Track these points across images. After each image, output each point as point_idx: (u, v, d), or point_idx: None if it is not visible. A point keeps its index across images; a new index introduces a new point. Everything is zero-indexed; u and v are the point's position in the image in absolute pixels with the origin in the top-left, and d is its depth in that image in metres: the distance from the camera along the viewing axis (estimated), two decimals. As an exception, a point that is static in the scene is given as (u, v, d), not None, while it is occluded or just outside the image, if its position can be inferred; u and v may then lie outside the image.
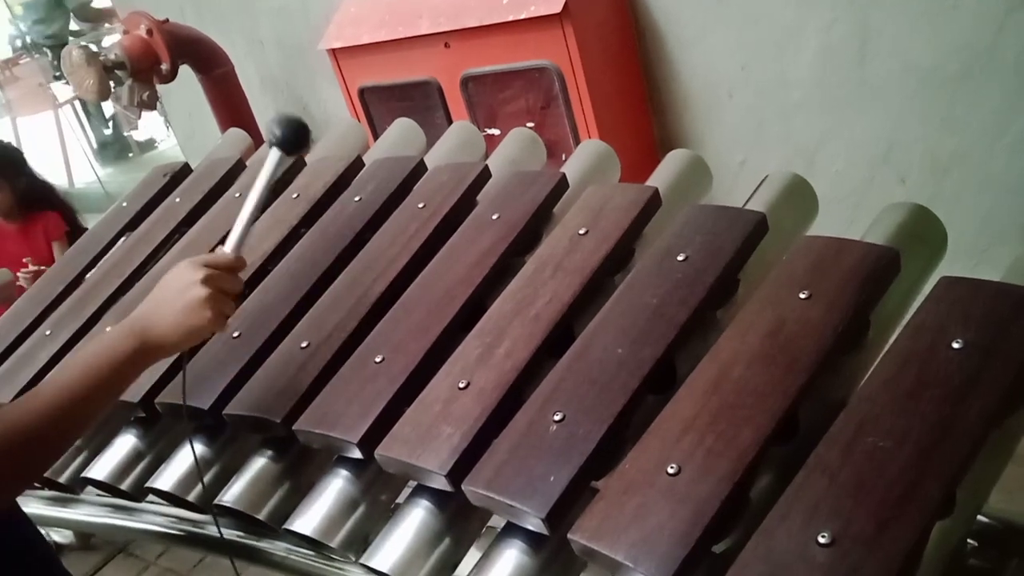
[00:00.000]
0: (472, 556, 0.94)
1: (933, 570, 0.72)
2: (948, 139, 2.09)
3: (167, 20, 2.86)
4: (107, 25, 6.61)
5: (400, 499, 1.01)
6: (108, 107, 6.78)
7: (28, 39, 6.85)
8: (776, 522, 0.71)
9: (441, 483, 0.91)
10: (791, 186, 1.10)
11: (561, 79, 2.26)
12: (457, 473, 0.89)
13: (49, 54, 6.51)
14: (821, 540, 0.68)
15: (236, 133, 1.74)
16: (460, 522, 0.95)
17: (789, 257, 0.93)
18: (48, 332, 1.40)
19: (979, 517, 0.81)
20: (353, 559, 1.00)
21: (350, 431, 0.98)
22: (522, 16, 2.19)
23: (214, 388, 1.11)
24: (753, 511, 0.78)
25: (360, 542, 1.00)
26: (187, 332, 0.96)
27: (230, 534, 1.15)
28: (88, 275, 1.53)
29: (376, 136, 2.08)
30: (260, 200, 1.08)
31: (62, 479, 1.27)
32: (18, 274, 2.59)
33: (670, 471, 0.78)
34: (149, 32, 2.81)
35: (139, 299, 1.34)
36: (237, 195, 1.46)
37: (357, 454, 0.99)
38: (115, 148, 7.08)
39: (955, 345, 0.76)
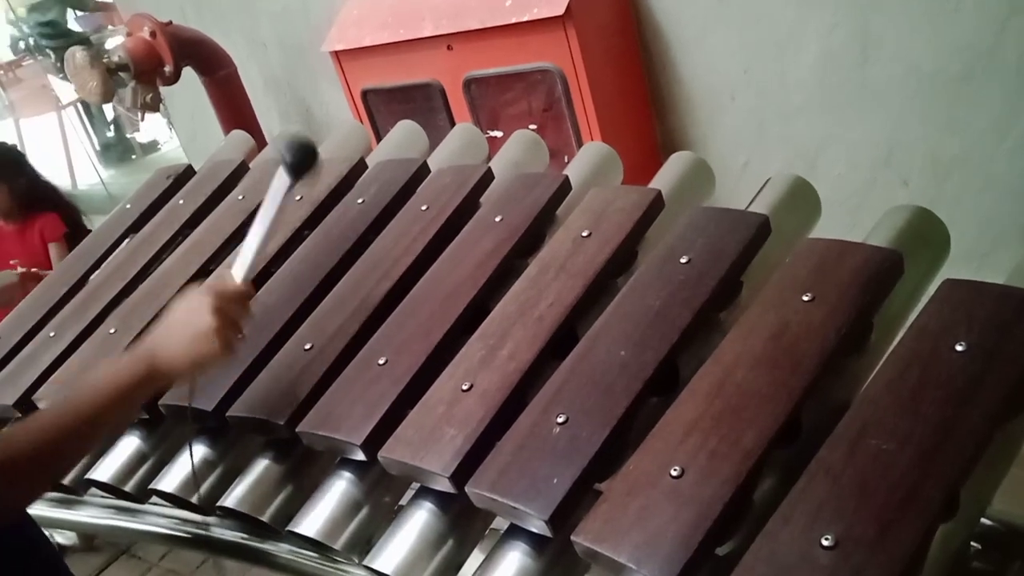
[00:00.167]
0: (475, 558, 0.94)
1: (936, 573, 0.72)
2: (950, 141, 2.09)
3: (170, 22, 2.86)
4: (104, 23, 6.61)
5: (403, 501, 1.01)
6: (108, 109, 6.79)
7: (31, 40, 6.87)
8: (779, 525, 0.71)
9: (444, 485, 0.91)
10: (794, 188, 1.10)
11: (564, 81, 2.26)
12: (460, 475, 0.89)
13: (52, 56, 6.52)
14: (824, 543, 0.68)
15: (239, 135, 1.75)
16: (463, 524, 0.96)
17: (792, 259, 0.93)
18: (52, 333, 1.40)
19: (982, 520, 0.81)
20: (356, 561, 1.00)
21: (353, 433, 0.98)
22: (525, 18, 2.20)
23: (218, 390, 1.11)
24: (756, 514, 0.78)
25: (363, 544, 1.00)
26: (195, 360, 0.97)
27: (233, 536, 1.15)
28: (92, 277, 1.53)
29: (379, 138, 2.09)
30: (270, 226, 1.05)
31: (66, 481, 1.27)
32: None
33: (673, 473, 0.78)
34: (152, 34, 2.81)
35: (142, 301, 1.37)
36: (240, 197, 1.46)
37: (360, 456, 0.99)
38: (118, 150, 7.09)
39: (958, 348, 0.76)
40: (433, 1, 2.43)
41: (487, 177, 1.26)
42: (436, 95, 2.55)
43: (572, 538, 0.79)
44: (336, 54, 2.69)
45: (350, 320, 1.13)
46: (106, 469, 1.21)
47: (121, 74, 2.85)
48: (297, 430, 1.04)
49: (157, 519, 1.26)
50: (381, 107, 2.75)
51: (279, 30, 3.21)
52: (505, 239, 1.13)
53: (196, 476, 1.11)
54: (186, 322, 0.97)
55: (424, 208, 1.24)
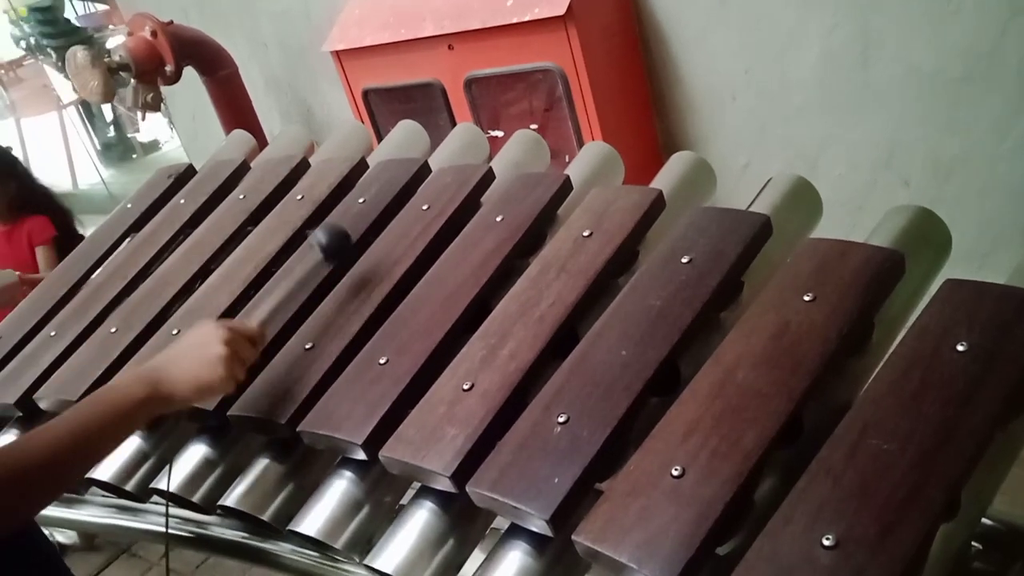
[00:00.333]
0: (476, 558, 0.94)
1: (937, 573, 0.72)
2: (950, 142, 2.09)
3: (171, 22, 2.86)
4: (105, 22, 6.61)
5: (404, 500, 1.01)
6: (109, 109, 6.80)
7: (32, 40, 6.87)
8: (780, 525, 0.71)
9: (445, 484, 0.91)
10: (795, 189, 1.10)
11: (565, 81, 2.26)
12: (461, 475, 0.89)
13: (53, 55, 6.52)
14: (825, 543, 0.68)
15: (240, 135, 1.75)
16: (464, 524, 0.96)
17: (793, 259, 0.93)
18: (53, 333, 1.41)
19: (983, 520, 0.81)
20: (357, 560, 1.00)
21: (354, 432, 0.98)
22: (526, 18, 2.20)
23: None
24: (757, 514, 0.78)
25: (364, 543, 1.00)
26: (198, 386, 0.99)
27: (234, 535, 1.15)
28: (93, 276, 1.53)
29: (380, 138, 2.09)
30: (294, 288, 1.16)
31: (66, 480, 1.27)
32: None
33: (674, 473, 0.78)
34: (153, 34, 2.81)
35: (143, 300, 1.37)
36: (241, 197, 1.46)
37: (361, 455, 0.99)
38: (119, 149, 7.10)
39: (959, 348, 0.76)
40: (434, 1, 2.43)
41: (488, 177, 1.26)
42: (437, 95, 2.55)
43: (573, 538, 0.79)
44: (337, 54, 2.69)
45: (351, 319, 1.13)
46: (107, 468, 1.21)
47: (122, 73, 2.85)
48: (298, 429, 1.04)
49: (157, 518, 1.26)
50: (382, 107, 2.75)
51: (280, 30, 3.21)
52: (506, 239, 1.13)
53: (168, 485, 1.12)
54: (196, 347, 1.00)
55: (425, 208, 1.24)
